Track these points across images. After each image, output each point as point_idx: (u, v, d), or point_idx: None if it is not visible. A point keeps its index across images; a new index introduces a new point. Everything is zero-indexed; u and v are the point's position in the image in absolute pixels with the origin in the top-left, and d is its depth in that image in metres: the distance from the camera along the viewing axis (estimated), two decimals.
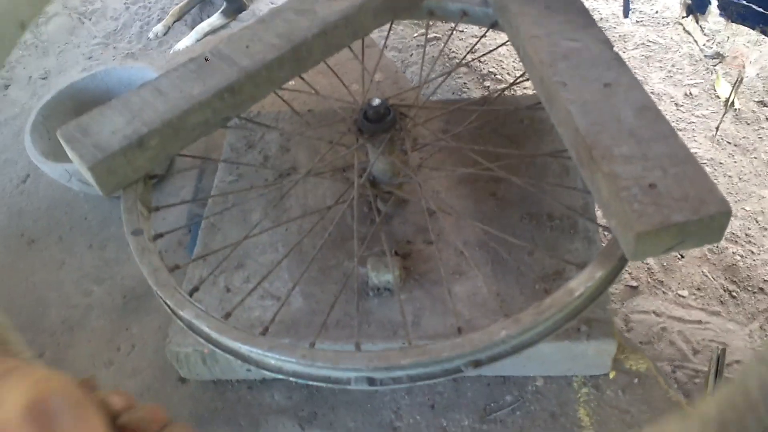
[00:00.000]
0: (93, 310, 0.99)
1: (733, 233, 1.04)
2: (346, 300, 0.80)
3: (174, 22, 1.68)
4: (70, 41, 1.69)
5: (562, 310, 0.59)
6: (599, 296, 0.61)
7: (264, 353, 0.61)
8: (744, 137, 1.20)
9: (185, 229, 1.03)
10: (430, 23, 0.99)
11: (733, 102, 1.24)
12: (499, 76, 1.35)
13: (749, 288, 1.02)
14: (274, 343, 0.61)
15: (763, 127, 1.21)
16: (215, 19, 1.64)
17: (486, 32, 0.95)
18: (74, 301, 1.01)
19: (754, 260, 1.03)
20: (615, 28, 1.46)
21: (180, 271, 0.73)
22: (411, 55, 1.44)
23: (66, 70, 1.56)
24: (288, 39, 0.83)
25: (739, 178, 1.14)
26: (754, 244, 1.05)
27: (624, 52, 1.38)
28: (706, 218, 0.55)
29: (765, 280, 1.01)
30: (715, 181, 1.10)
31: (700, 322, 0.98)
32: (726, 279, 1.01)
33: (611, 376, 0.82)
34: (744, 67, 1.30)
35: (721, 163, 1.16)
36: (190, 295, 0.68)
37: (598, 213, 0.87)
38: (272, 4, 1.73)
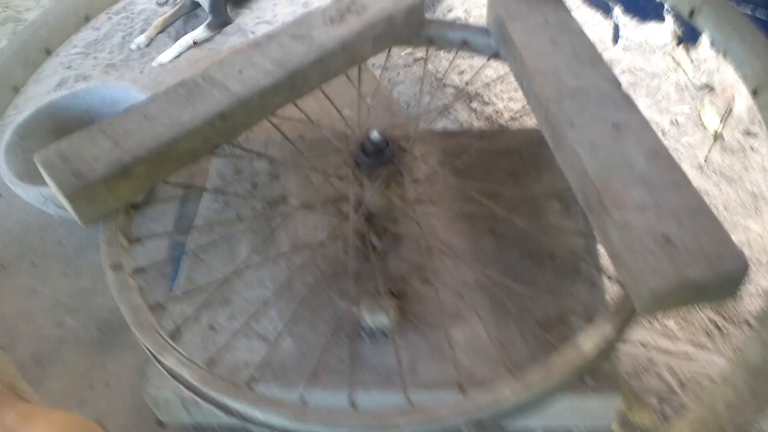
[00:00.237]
0: (65, 343, 0.93)
1: None
2: (337, 342, 0.76)
3: (157, 34, 1.64)
4: None
5: (571, 369, 0.56)
6: (610, 352, 0.58)
7: (250, 407, 0.57)
8: (730, 167, 1.20)
9: (166, 255, 0.98)
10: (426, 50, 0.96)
11: (720, 133, 1.23)
12: (486, 98, 1.33)
13: (735, 321, 1.01)
14: (260, 398, 0.57)
15: (748, 157, 1.21)
16: (200, 33, 1.61)
17: (485, 62, 0.93)
18: (46, 332, 0.95)
19: (740, 293, 1.02)
20: (603, 53, 1.46)
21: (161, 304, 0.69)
22: (398, 74, 1.42)
23: (43, 79, 1.50)
24: (283, 65, 0.80)
25: (726, 209, 1.13)
26: None
27: None
28: (723, 275, 0.53)
29: (751, 313, 0.99)
30: None
31: (686, 354, 0.96)
32: (712, 311, 0.99)
33: (614, 428, 0.79)
34: (734, 99, 1.30)
35: (707, 193, 1.16)
36: (172, 336, 0.64)
37: (600, 249, 0.85)
38: (258, 19, 1.71)
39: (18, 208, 1.15)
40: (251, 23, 1.70)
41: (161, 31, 1.66)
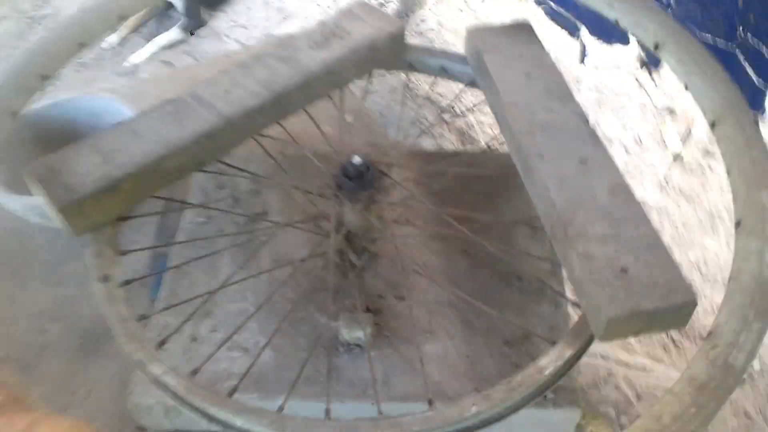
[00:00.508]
0: (47, 350, 0.95)
1: None
2: (316, 355, 0.79)
3: (128, 33, 1.64)
4: (18, 46, 1.63)
5: (532, 387, 0.60)
6: (567, 373, 0.63)
7: (231, 416, 0.61)
8: (689, 186, 1.25)
9: (148, 267, 1.00)
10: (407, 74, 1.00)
11: (680, 154, 1.29)
12: (457, 109, 1.37)
13: (690, 336, 1.06)
14: (241, 407, 0.61)
15: (707, 177, 1.26)
16: (173, 34, 1.61)
17: (461, 90, 0.97)
18: (27, 339, 0.96)
19: (696, 309, 1.07)
20: (570, 70, 1.51)
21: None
22: (371, 83, 1.45)
23: None
24: (269, 87, 0.83)
25: (684, 227, 1.18)
26: (697, 293, 1.09)
27: (577, 93, 1.42)
28: (673, 306, 0.58)
29: (705, 329, 1.05)
30: (660, 228, 1.15)
31: (644, 367, 1.01)
32: None
33: None
34: (693, 121, 1.36)
35: (667, 211, 1.20)
36: (159, 347, 0.67)
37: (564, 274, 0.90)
38: (233, 23, 1.72)
39: None
40: (225, 26, 1.71)
41: (133, 31, 1.65)
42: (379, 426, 0.58)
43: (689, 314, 0.59)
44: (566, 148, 0.72)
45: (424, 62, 0.97)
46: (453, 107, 1.36)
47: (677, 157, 1.28)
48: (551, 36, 1.58)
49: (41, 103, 1.16)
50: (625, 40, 1.45)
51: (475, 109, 1.39)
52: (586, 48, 1.50)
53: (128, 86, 1.47)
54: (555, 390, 0.77)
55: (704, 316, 1.07)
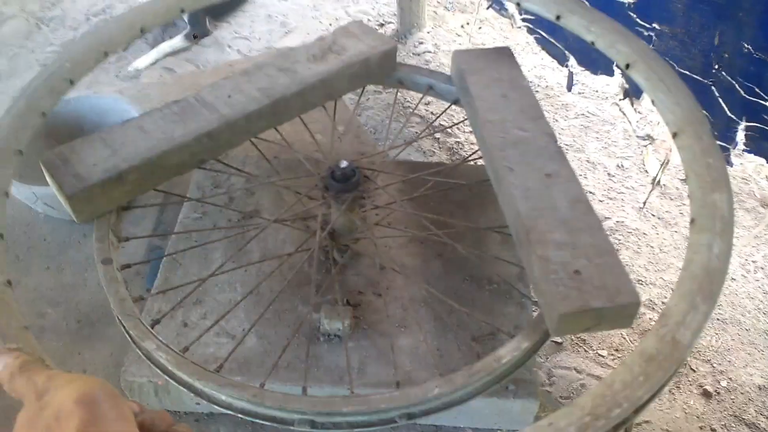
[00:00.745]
0: (46, 332, 1.00)
1: (651, 300, 1.14)
2: (297, 343, 0.85)
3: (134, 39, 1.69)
4: (25, 45, 1.67)
5: (490, 374, 0.67)
6: (524, 363, 0.69)
7: (216, 389, 0.66)
8: (667, 211, 1.31)
9: (144, 258, 1.06)
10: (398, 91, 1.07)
11: (659, 180, 1.36)
12: (445, 122, 1.43)
13: None
14: (226, 381, 0.66)
15: (685, 203, 1.32)
16: (177, 42, 1.65)
17: (448, 107, 1.04)
18: (28, 321, 1.01)
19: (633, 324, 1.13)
20: (559, 96, 1.58)
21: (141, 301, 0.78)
22: (368, 99, 1.52)
23: (17, 74, 1.55)
24: (268, 94, 0.90)
25: (660, 249, 1.24)
26: None
27: (565, 120, 1.49)
28: (619, 306, 0.64)
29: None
30: (638, 250, 1.22)
31: None
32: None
33: None
34: (671, 150, 1.43)
35: (644, 234, 1.26)
36: (152, 327, 0.72)
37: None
38: (236, 34, 1.76)
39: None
40: (229, 37, 1.75)
41: (138, 37, 1.71)
42: (351, 402, 0.64)
43: (633, 314, 0.66)
44: (534, 163, 0.79)
45: (412, 80, 1.04)
46: (444, 126, 1.43)
47: (656, 183, 1.34)
48: (542, 63, 1.65)
49: None
50: (610, 71, 1.53)
51: (465, 127, 1.46)
52: (574, 77, 1.58)
53: (132, 89, 1.53)
54: (515, 382, 0.83)
55: None
